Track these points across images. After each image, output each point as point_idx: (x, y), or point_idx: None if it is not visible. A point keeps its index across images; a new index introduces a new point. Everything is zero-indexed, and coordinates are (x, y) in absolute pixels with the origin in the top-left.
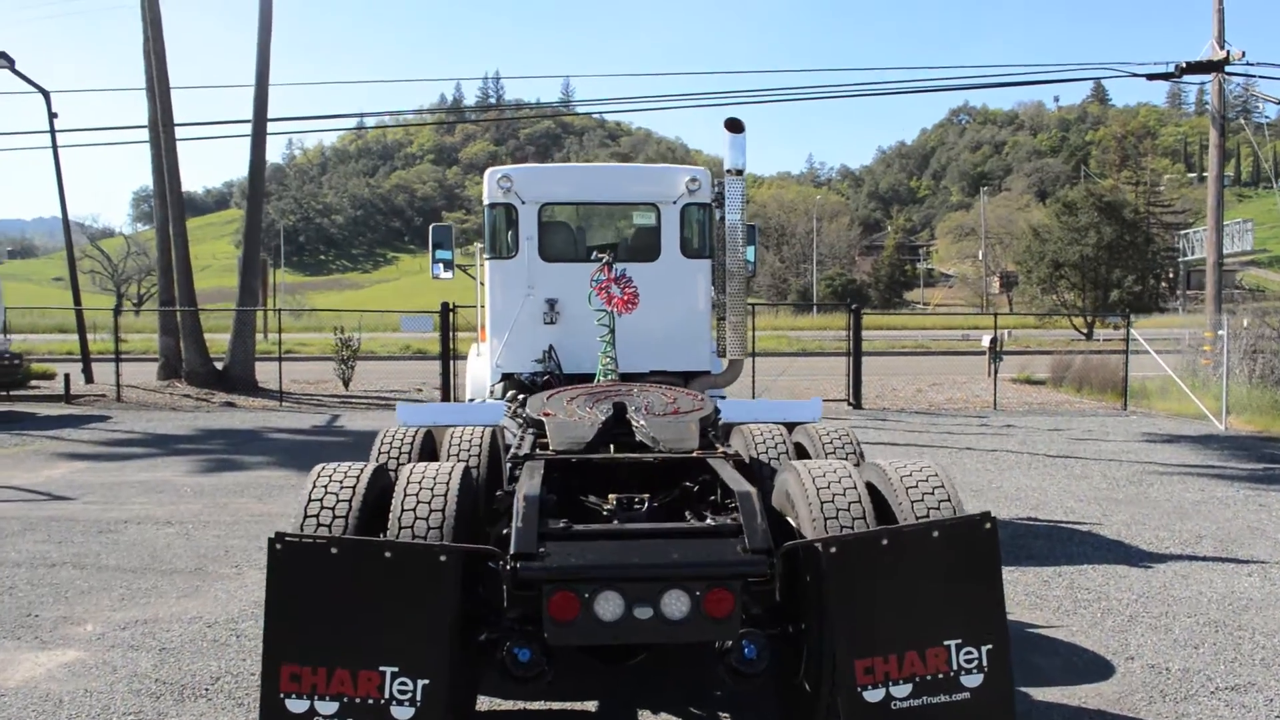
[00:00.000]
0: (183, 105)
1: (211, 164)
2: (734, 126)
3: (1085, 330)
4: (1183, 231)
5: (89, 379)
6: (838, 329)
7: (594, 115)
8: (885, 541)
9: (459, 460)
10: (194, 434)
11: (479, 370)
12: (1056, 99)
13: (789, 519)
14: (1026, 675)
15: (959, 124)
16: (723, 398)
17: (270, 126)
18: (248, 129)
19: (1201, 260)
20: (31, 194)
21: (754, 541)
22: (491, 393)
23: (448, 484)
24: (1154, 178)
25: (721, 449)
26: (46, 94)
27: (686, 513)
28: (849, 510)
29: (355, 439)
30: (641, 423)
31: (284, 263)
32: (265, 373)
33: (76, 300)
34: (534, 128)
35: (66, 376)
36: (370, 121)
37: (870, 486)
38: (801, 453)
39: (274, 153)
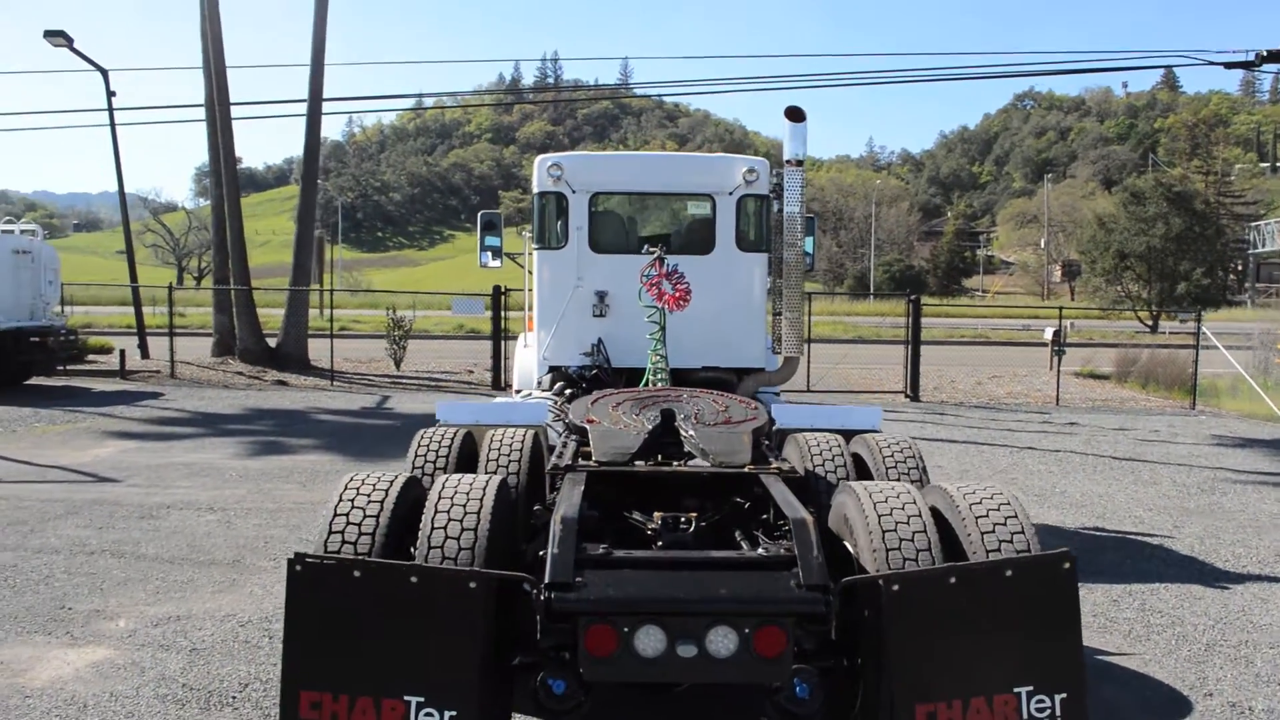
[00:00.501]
0: (242, 84)
1: (273, 141)
2: (794, 115)
3: (1150, 323)
4: (1254, 223)
5: (145, 354)
6: (895, 315)
7: (652, 97)
8: (953, 579)
9: (497, 468)
10: (243, 413)
11: (526, 362)
12: (1125, 85)
13: (846, 544)
14: (1098, 712)
15: (1023, 109)
16: (777, 394)
17: (328, 106)
18: (304, 108)
19: (1273, 253)
20: (97, 168)
21: (810, 576)
22: (539, 384)
23: (481, 500)
24: (1225, 167)
25: (775, 464)
26: (105, 72)
27: (736, 532)
28: (913, 541)
29: (403, 423)
30: (691, 433)
31: (342, 239)
32: (319, 350)
33: (133, 277)
34: (591, 108)
35: (122, 353)
36: (429, 101)
37: (935, 512)
38: (860, 465)
39: (334, 130)
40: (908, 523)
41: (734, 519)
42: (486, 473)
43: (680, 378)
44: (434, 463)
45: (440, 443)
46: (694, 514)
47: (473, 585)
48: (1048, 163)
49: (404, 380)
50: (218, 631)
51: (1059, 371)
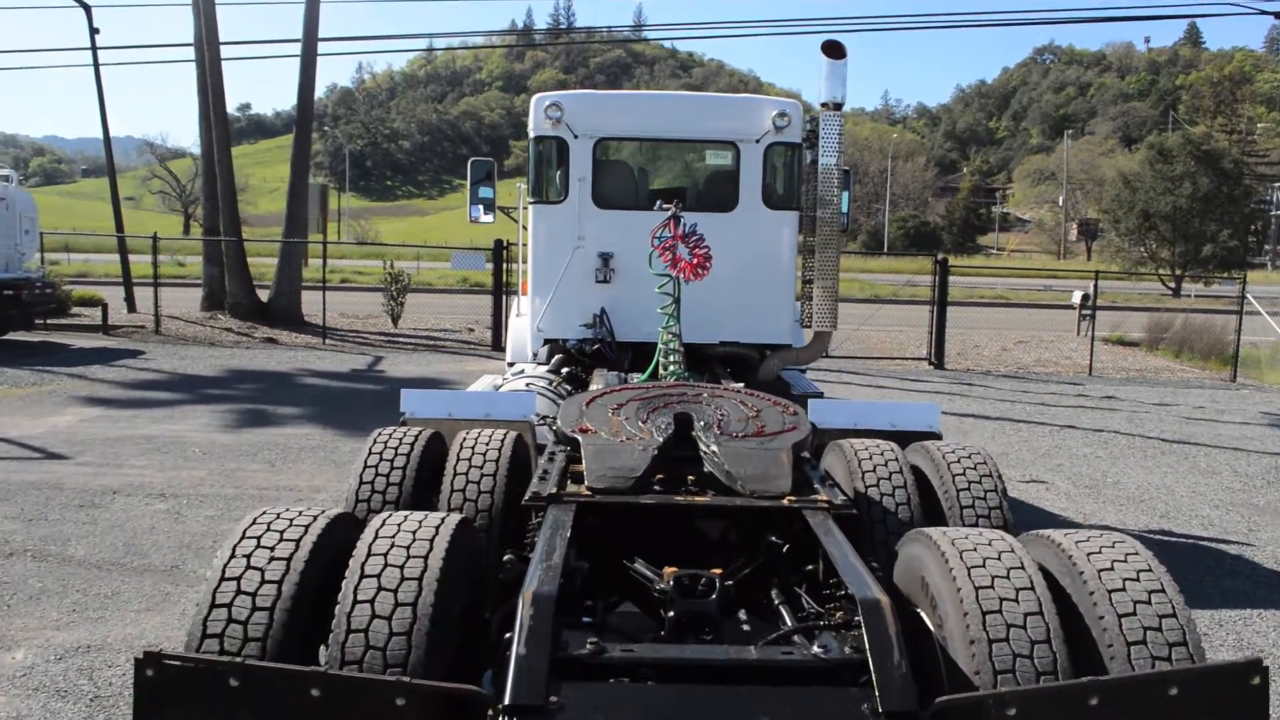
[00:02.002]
0: (241, 22)
1: (284, 85)
2: (833, 51)
3: (1173, 286)
4: (1277, 184)
5: (131, 308)
6: (911, 273)
7: (665, 44)
8: (1095, 700)
9: (465, 488)
10: (224, 375)
11: (520, 332)
12: (1147, 40)
13: (919, 610)
14: None
15: (1043, 63)
16: (803, 371)
17: (332, 46)
18: (299, 49)
19: None
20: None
21: (889, 698)
22: (534, 358)
23: (427, 559)
24: (1249, 126)
25: (823, 494)
26: (88, 8)
27: (773, 592)
28: (1025, 628)
29: (392, 389)
30: (713, 448)
31: (350, 188)
32: (315, 304)
33: (119, 227)
34: (604, 56)
35: (104, 306)
36: (438, 44)
37: (1044, 573)
38: (922, 481)
39: (343, 76)
40: (1016, 600)
41: (769, 568)
42: (453, 490)
43: (695, 354)
44: (388, 477)
45: (398, 451)
46: (717, 570)
47: (400, 703)
48: (1066, 119)
49: (400, 339)
50: (130, 670)
51: (1092, 338)
